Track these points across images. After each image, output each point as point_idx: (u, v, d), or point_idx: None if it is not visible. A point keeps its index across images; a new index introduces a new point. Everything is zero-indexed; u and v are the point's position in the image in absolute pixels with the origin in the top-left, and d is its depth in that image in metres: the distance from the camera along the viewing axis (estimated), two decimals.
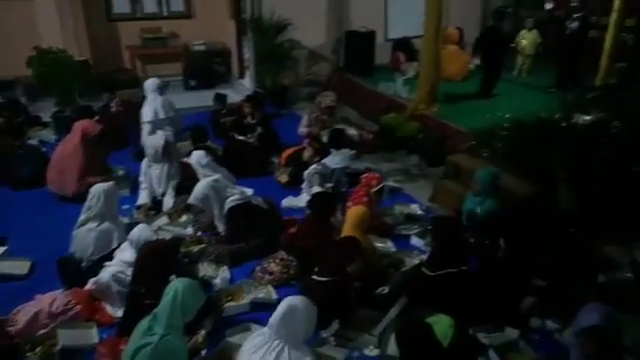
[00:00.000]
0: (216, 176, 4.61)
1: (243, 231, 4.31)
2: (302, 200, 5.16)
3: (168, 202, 5.02)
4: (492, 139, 4.22)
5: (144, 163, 5.18)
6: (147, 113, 5.93)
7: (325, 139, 5.88)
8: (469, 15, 10.04)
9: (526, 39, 8.34)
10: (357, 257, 3.46)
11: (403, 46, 9.22)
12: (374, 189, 4.28)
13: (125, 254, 3.63)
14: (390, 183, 5.59)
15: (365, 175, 4.52)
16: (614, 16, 7.49)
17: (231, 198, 4.39)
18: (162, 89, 6.21)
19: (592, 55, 8.29)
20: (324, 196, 4.46)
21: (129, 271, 3.45)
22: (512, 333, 3.31)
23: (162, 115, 5.95)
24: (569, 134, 3.78)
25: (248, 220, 4.33)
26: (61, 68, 7.65)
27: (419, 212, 5.00)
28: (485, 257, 3.81)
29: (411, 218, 4.89)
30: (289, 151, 5.96)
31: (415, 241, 4.50)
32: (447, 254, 3.37)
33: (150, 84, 6.14)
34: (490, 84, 7.38)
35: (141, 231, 3.63)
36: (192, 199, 4.46)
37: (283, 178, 5.64)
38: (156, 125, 5.85)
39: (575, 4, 7.42)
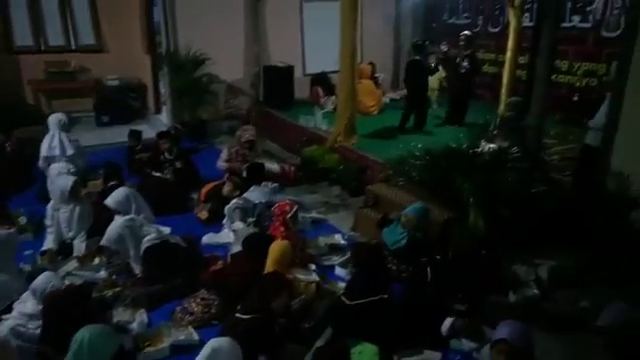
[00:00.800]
0: (131, 215, 4.41)
1: (161, 272, 4.12)
2: (223, 236, 5.07)
3: (79, 246, 4.69)
4: (406, 168, 4.42)
5: (50, 206, 4.82)
6: (43, 148, 5.84)
7: (245, 174, 5.86)
8: (382, 50, 10.61)
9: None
10: (281, 293, 3.41)
11: (321, 81, 9.49)
12: (289, 215, 4.31)
13: (26, 306, 3.31)
14: (313, 214, 5.66)
15: (276, 205, 4.56)
16: (509, 54, 8.25)
17: (147, 238, 4.20)
18: (65, 125, 6.05)
19: (493, 89, 9.02)
20: (260, 237, 4.35)
21: (31, 324, 3.15)
22: (434, 356, 3.40)
23: (57, 152, 5.81)
24: (476, 161, 4.05)
25: (166, 260, 4.16)
26: None
27: (342, 242, 5.06)
28: (411, 285, 3.91)
29: (334, 248, 4.93)
30: (209, 186, 5.83)
31: (339, 271, 4.53)
32: (367, 282, 3.41)
33: (53, 119, 6.02)
34: (419, 117, 7.69)
35: (47, 279, 3.35)
36: (105, 240, 4.24)
37: (203, 214, 5.50)
38: (49, 160, 5.72)
39: (462, 43, 8.00)
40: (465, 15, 10.05)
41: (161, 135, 6.45)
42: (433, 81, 8.86)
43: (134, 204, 4.58)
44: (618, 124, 4.22)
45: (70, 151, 5.87)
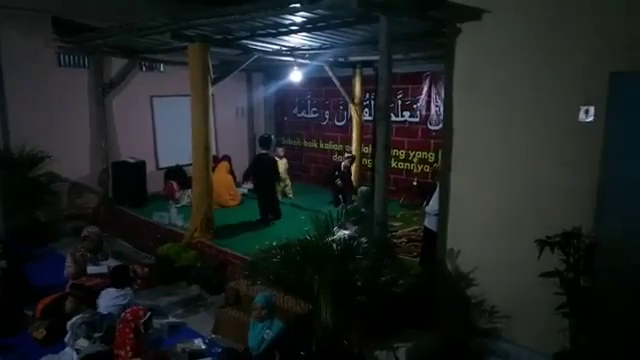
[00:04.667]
0: None
1: None
2: (64, 356, 4.44)
3: None
4: (264, 265, 4.41)
5: None
6: None
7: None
8: (237, 142, 10.89)
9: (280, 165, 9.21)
10: None
11: (175, 174, 9.32)
12: (143, 319, 4.07)
13: None
14: (171, 319, 5.29)
15: (128, 310, 4.24)
16: (354, 145, 9.07)
17: None
18: None
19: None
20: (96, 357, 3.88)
21: None
22: None
23: None
24: (328, 253, 4.19)
25: None
26: None
27: (203, 347, 4.75)
28: None
29: (195, 355, 4.61)
30: (46, 300, 5.12)
31: None
32: None
33: None
34: (272, 209, 7.75)
35: None
36: None
37: (39, 333, 4.79)
38: None
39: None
40: (313, 110, 10.88)
41: None
42: (282, 172, 9.18)
43: None
44: (449, 210, 4.74)
45: None
